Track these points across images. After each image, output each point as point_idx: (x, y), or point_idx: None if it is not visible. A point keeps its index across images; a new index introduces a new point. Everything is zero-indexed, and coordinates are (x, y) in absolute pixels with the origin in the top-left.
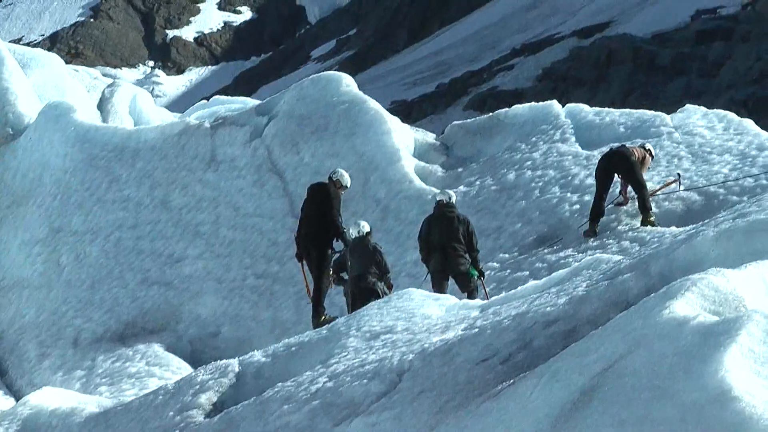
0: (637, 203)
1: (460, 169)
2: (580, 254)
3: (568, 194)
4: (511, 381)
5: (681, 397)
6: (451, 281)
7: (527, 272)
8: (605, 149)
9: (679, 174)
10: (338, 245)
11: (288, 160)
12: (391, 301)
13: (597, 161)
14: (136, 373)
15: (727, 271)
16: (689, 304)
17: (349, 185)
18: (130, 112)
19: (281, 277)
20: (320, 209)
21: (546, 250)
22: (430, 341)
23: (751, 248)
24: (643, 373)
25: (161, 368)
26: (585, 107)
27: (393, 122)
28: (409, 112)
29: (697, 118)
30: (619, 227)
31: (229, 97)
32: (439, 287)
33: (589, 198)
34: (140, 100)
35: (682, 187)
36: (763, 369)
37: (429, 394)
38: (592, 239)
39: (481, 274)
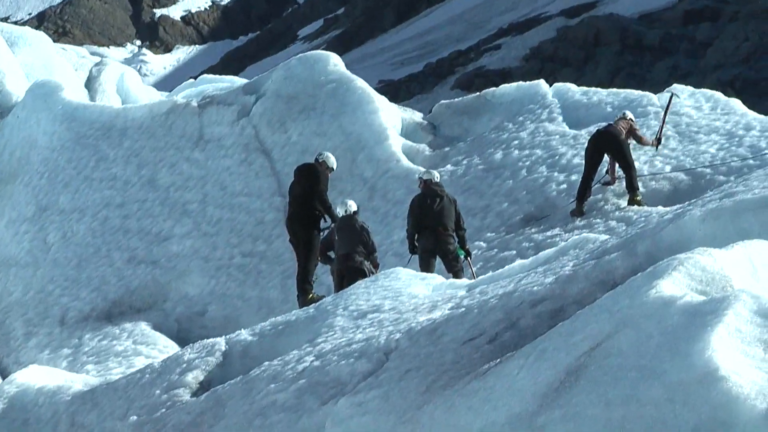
0: (624, 183)
1: (447, 149)
2: (567, 234)
3: (555, 174)
4: (498, 360)
5: (668, 376)
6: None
7: (514, 251)
8: (592, 129)
9: (672, 93)
10: (325, 224)
11: (275, 139)
12: (378, 280)
13: (585, 141)
14: (122, 351)
15: (713, 251)
16: (676, 284)
17: (335, 167)
18: (117, 91)
19: (268, 256)
20: (307, 188)
21: (533, 230)
22: (417, 320)
23: (738, 228)
24: (630, 352)
25: (148, 347)
26: (572, 87)
27: (380, 101)
28: (396, 91)
29: (684, 98)
30: (606, 207)
31: (217, 76)
32: (426, 266)
33: (576, 177)
34: (128, 79)
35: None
36: (750, 349)
37: (416, 373)
38: (579, 219)
39: (468, 254)
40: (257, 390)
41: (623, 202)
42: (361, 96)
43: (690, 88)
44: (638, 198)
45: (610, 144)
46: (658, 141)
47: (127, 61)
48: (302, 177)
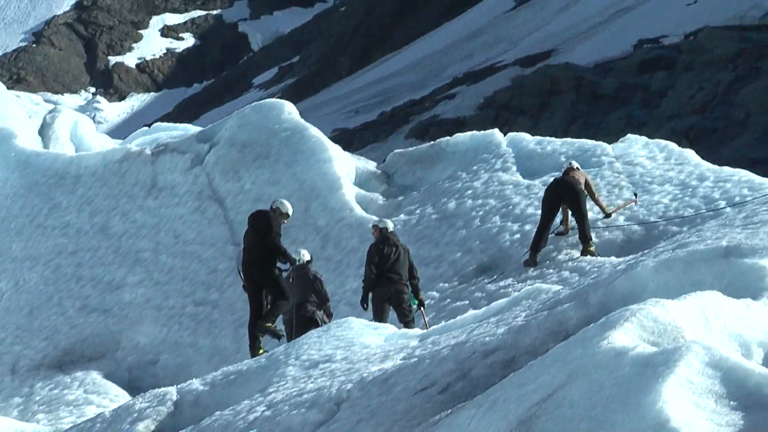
0: (577, 233)
1: (400, 198)
2: (520, 284)
3: (509, 223)
4: (450, 411)
5: (619, 427)
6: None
7: (467, 301)
8: (546, 178)
9: (635, 193)
10: (285, 267)
11: (229, 187)
12: (331, 329)
13: (539, 190)
14: (74, 400)
15: (666, 302)
16: (628, 335)
17: (290, 213)
18: (71, 138)
19: (220, 305)
20: (260, 234)
21: (486, 280)
22: (368, 370)
23: (691, 279)
24: (582, 403)
25: (99, 396)
26: (526, 136)
27: (334, 150)
28: (350, 140)
29: (638, 148)
30: (559, 257)
31: (171, 124)
32: (381, 315)
33: (529, 227)
34: (82, 127)
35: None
36: (702, 400)
37: (367, 423)
38: (532, 269)
39: (422, 303)
40: None
41: (576, 253)
42: (315, 144)
43: (644, 138)
44: (591, 248)
45: (568, 193)
46: (608, 215)
47: (81, 109)
48: (255, 223)
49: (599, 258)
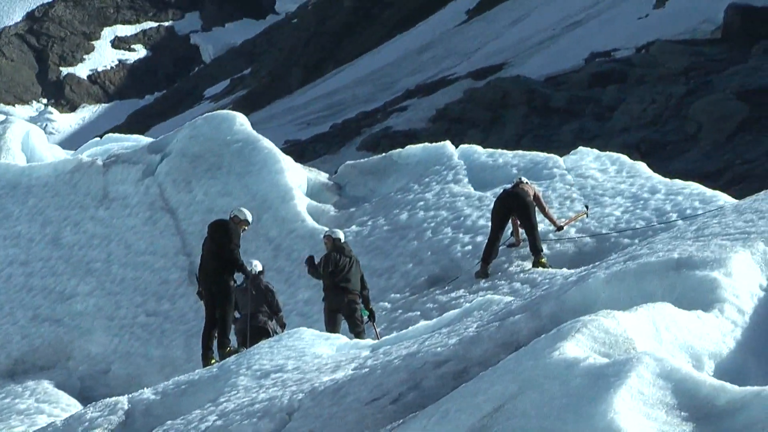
0: (528, 245)
1: (352, 209)
2: (472, 295)
3: (461, 235)
4: (401, 421)
5: None
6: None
7: (418, 312)
8: (498, 190)
9: (587, 205)
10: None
11: (181, 198)
12: (282, 340)
13: (491, 202)
14: (25, 410)
15: (617, 313)
16: (579, 346)
17: (250, 220)
18: (22, 149)
19: (172, 316)
20: (219, 245)
21: (437, 291)
22: (320, 380)
23: (642, 291)
24: (533, 414)
25: (50, 405)
26: (478, 148)
27: (286, 161)
28: (302, 152)
29: (590, 161)
30: (511, 268)
31: (123, 135)
32: (333, 325)
33: (481, 239)
34: (33, 137)
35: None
36: (653, 411)
37: None
38: (483, 280)
39: (372, 314)
40: None
41: (528, 264)
42: (267, 156)
43: (595, 151)
44: (543, 260)
45: (517, 205)
46: (559, 228)
47: (33, 120)
48: (214, 233)
49: (551, 270)
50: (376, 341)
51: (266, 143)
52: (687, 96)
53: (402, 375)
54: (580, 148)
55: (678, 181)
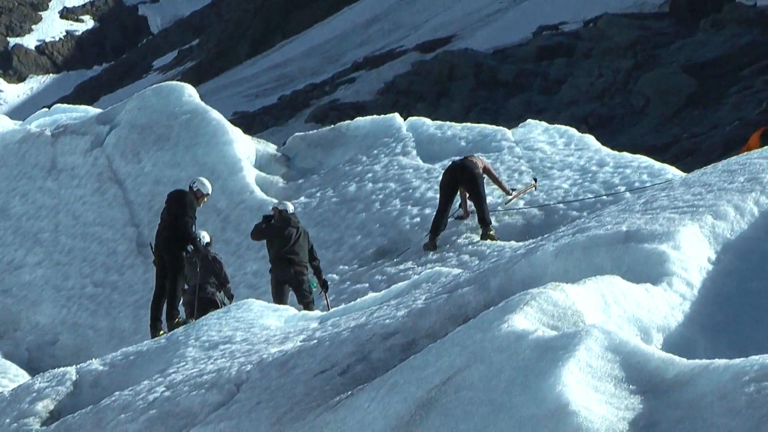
0: (476, 217)
1: (301, 181)
2: (420, 267)
3: (409, 207)
4: (349, 393)
5: (518, 411)
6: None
7: (367, 284)
8: (447, 163)
9: (535, 178)
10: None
11: (129, 169)
12: (231, 311)
13: (440, 175)
14: None
15: (566, 286)
16: (528, 318)
17: (209, 192)
18: None
19: (120, 287)
20: (174, 215)
21: (386, 263)
22: (268, 352)
23: (591, 264)
24: (481, 386)
25: None
26: (427, 121)
27: (235, 133)
28: (251, 123)
29: (538, 133)
30: (459, 240)
31: (71, 106)
32: (279, 296)
33: (429, 211)
34: None
35: (536, 191)
36: (601, 384)
37: (267, 405)
38: (431, 252)
39: (324, 285)
40: (107, 420)
41: (476, 237)
42: (215, 127)
43: (544, 124)
44: (491, 232)
45: (466, 176)
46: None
47: None
48: (171, 204)
49: (499, 242)
50: (325, 313)
51: (215, 114)
52: (634, 70)
53: (350, 347)
54: (529, 120)
55: (626, 154)
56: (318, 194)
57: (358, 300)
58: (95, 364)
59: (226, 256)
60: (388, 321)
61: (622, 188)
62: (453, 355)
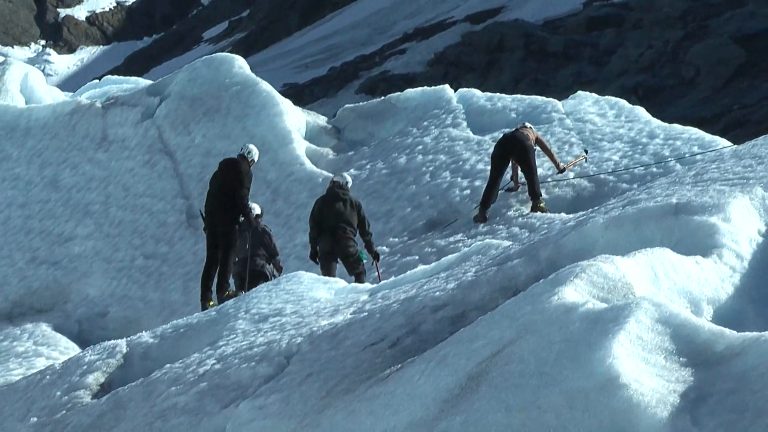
0: (527, 189)
1: (351, 153)
2: (470, 239)
3: (459, 179)
4: (399, 365)
5: (568, 383)
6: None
7: (417, 257)
8: (497, 134)
9: (586, 150)
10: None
11: (179, 141)
12: (280, 283)
13: (489, 147)
14: (23, 352)
15: (615, 258)
16: (578, 291)
17: (257, 159)
18: (21, 91)
19: (170, 258)
20: (229, 186)
21: (436, 235)
22: (318, 324)
23: (640, 236)
24: (531, 359)
25: (49, 348)
26: (477, 92)
27: (285, 104)
28: (300, 95)
29: (588, 105)
30: (509, 213)
31: (121, 77)
32: (327, 269)
33: (479, 183)
34: (32, 79)
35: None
36: (651, 356)
37: (317, 377)
38: (482, 224)
39: (376, 257)
40: (158, 392)
41: (526, 209)
42: (265, 99)
43: (594, 95)
44: (541, 204)
45: (517, 148)
46: (562, 170)
47: (31, 61)
48: (228, 173)
49: (549, 214)
50: (374, 285)
51: (265, 86)
52: (684, 40)
53: (400, 319)
54: (579, 92)
55: (676, 126)
56: (368, 166)
57: (408, 272)
58: (145, 336)
59: (276, 228)
60: (438, 293)
61: (672, 160)
62: (503, 328)
